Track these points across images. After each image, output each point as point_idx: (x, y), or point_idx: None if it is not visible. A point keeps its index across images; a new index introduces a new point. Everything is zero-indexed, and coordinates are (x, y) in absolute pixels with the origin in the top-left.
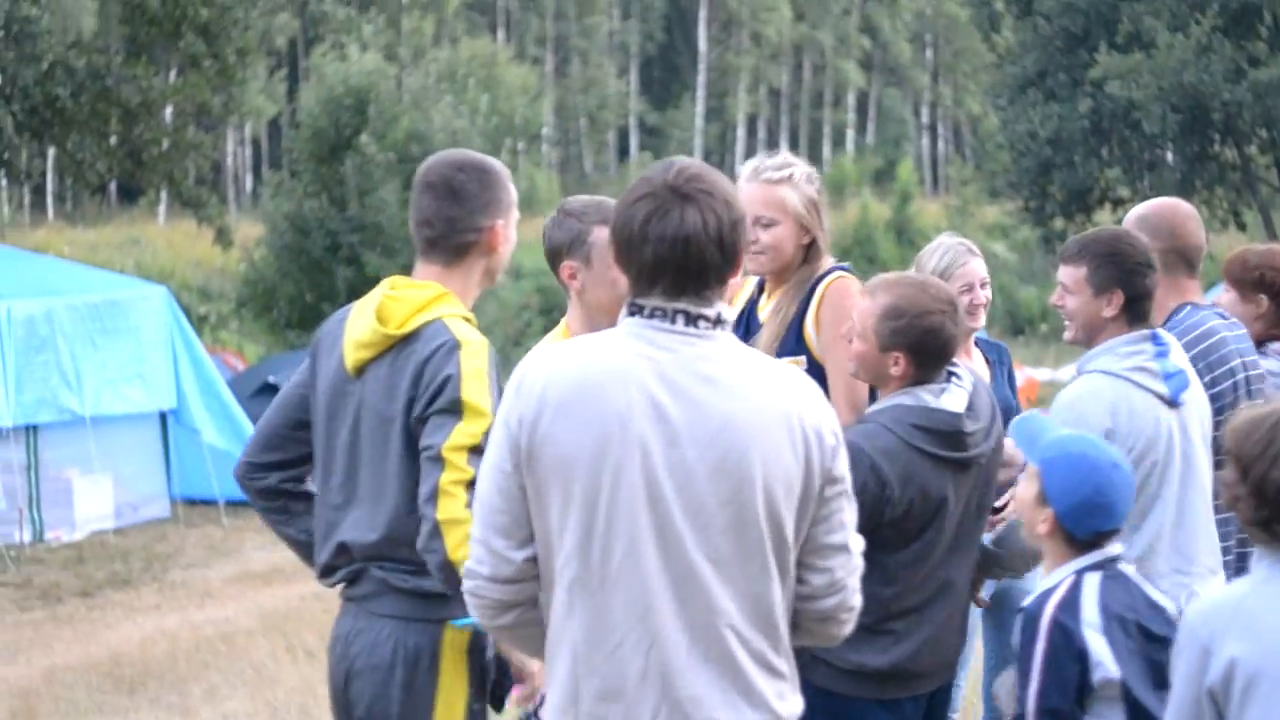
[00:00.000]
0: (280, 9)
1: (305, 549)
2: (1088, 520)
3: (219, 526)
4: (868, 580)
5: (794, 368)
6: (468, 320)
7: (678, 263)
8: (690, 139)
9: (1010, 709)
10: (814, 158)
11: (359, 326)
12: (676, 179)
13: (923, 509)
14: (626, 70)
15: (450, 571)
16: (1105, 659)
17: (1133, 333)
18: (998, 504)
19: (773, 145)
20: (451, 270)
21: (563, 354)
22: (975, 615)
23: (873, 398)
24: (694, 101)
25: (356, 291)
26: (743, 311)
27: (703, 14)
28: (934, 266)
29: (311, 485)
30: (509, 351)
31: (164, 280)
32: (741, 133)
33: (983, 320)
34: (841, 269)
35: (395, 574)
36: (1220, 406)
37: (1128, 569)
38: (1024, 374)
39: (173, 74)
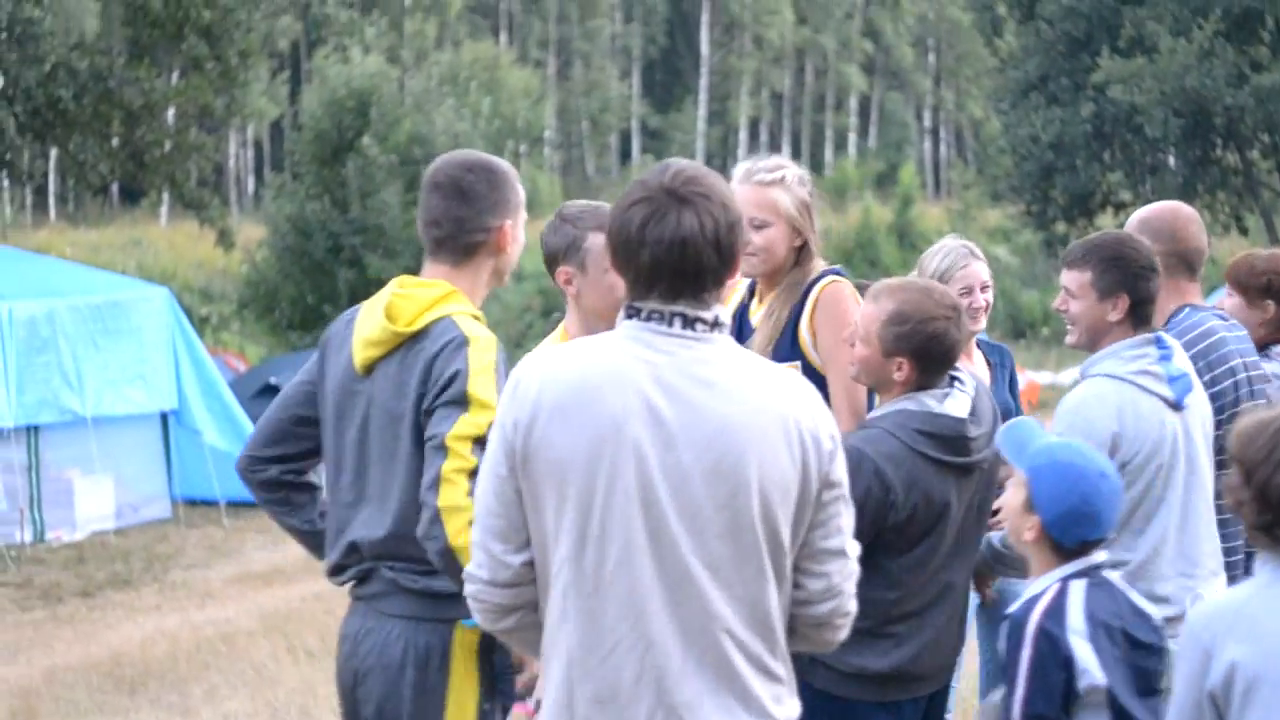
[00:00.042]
0: (283, 11)
1: (310, 538)
2: (1074, 529)
3: (220, 527)
4: (869, 584)
5: (793, 372)
6: (476, 318)
7: (675, 266)
8: (692, 142)
9: None
10: (816, 161)
11: (368, 325)
12: (673, 182)
13: (926, 514)
14: (629, 73)
15: (451, 558)
16: (1091, 666)
17: (1137, 336)
18: (997, 504)
19: (775, 149)
20: (460, 270)
21: (558, 357)
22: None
23: (870, 401)
24: (696, 105)
25: (358, 293)
26: (734, 314)
27: (705, 17)
28: (934, 269)
29: (314, 477)
30: (510, 353)
31: (166, 281)
32: (743, 136)
33: (983, 323)
34: (834, 273)
35: (405, 574)
36: (1221, 405)
37: (1113, 576)
38: (1025, 377)
39: (175, 76)
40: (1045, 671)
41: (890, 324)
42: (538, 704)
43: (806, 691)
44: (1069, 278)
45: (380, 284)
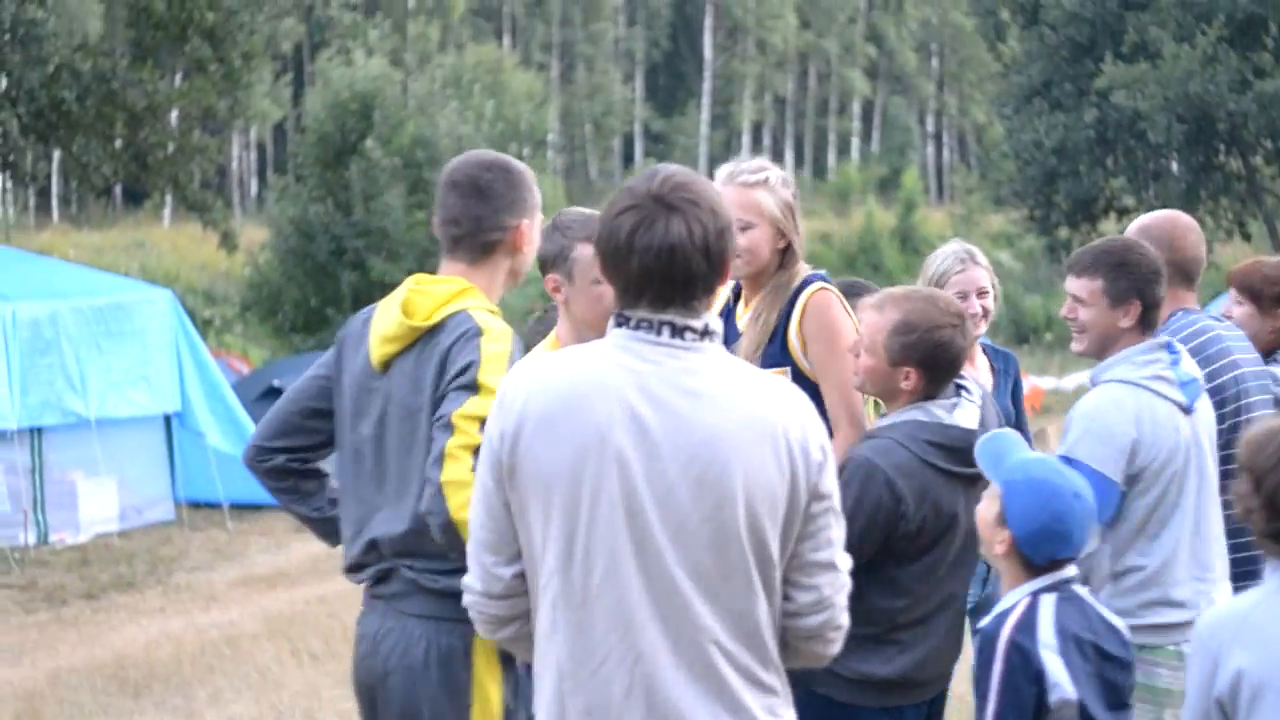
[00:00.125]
0: (286, 14)
1: (320, 525)
2: (1045, 546)
3: (223, 530)
4: (876, 592)
5: (785, 381)
6: (492, 313)
7: (664, 273)
8: (695, 146)
9: None
10: (819, 166)
11: (385, 321)
12: (661, 188)
13: (935, 524)
14: (632, 77)
15: (453, 532)
16: (1062, 680)
17: (1148, 342)
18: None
19: (778, 153)
20: (477, 268)
21: (544, 367)
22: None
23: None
24: (699, 109)
25: (361, 296)
26: (719, 317)
27: (708, 21)
28: (931, 273)
29: (322, 464)
30: None
31: (168, 283)
32: (747, 140)
33: (982, 329)
34: (819, 278)
35: (425, 574)
36: (1222, 399)
37: (1081, 590)
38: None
39: (178, 78)
40: (1016, 685)
41: (896, 333)
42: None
43: (811, 698)
44: (1078, 285)
45: (383, 286)
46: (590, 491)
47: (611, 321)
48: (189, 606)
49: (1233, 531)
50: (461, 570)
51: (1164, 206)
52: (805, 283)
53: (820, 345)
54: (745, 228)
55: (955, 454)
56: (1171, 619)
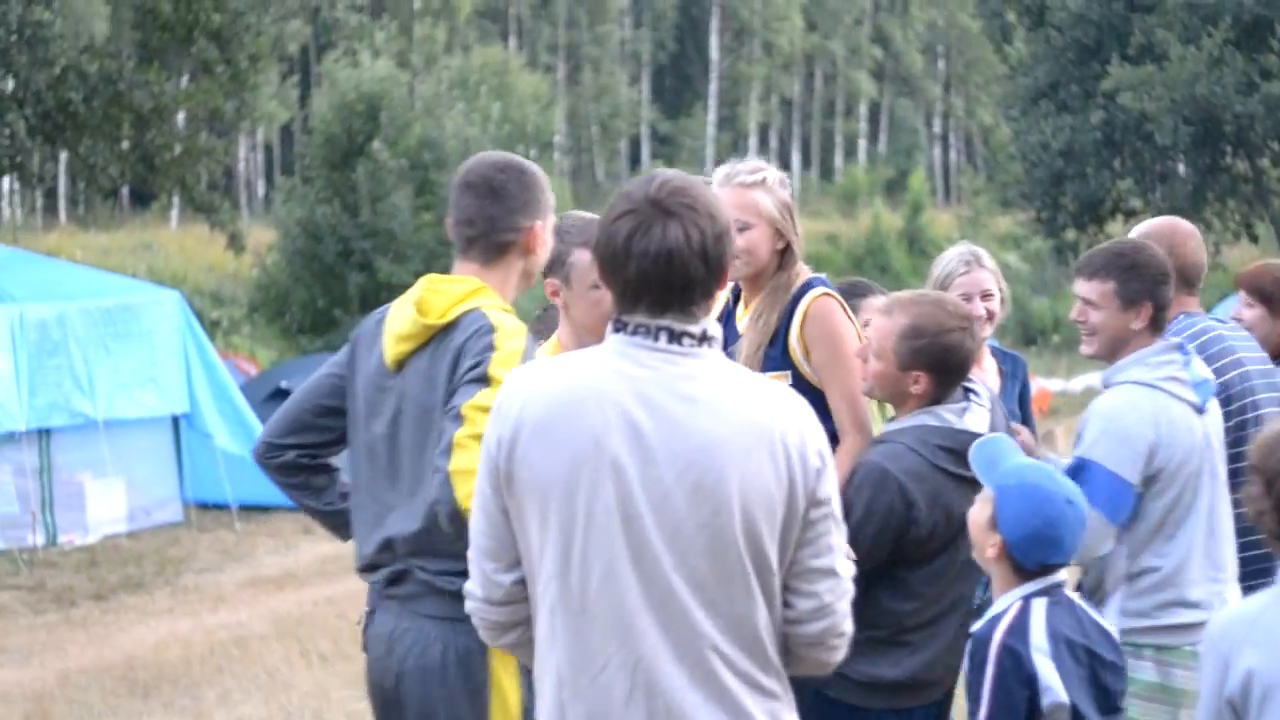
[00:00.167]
0: (293, 15)
1: (332, 518)
2: (1036, 552)
3: (231, 531)
4: (887, 595)
5: (784, 386)
6: (506, 311)
7: (661, 279)
8: (702, 148)
9: None
10: (826, 167)
11: (399, 320)
12: (658, 193)
13: (946, 528)
14: (638, 79)
15: (461, 522)
16: (1054, 684)
17: (1161, 343)
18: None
19: (785, 155)
20: (490, 269)
21: (541, 374)
22: None
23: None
24: (706, 110)
25: (368, 297)
26: (719, 319)
27: (715, 23)
28: (935, 275)
29: (332, 460)
30: None
31: (176, 285)
32: (753, 142)
33: (988, 331)
34: (820, 282)
35: (441, 576)
36: (1227, 398)
37: (1072, 595)
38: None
39: (185, 79)
40: (1008, 689)
41: (906, 338)
42: None
43: (821, 700)
44: (1089, 288)
45: (390, 288)
46: (586, 498)
47: (609, 327)
48: (197, 607)
49: (1241, 531)
50: None
51: (1171, 208)
52: (806, 286)
53: (823, 352)
54: (743, 228)
55: (965, 458)
56: (1187, 619)
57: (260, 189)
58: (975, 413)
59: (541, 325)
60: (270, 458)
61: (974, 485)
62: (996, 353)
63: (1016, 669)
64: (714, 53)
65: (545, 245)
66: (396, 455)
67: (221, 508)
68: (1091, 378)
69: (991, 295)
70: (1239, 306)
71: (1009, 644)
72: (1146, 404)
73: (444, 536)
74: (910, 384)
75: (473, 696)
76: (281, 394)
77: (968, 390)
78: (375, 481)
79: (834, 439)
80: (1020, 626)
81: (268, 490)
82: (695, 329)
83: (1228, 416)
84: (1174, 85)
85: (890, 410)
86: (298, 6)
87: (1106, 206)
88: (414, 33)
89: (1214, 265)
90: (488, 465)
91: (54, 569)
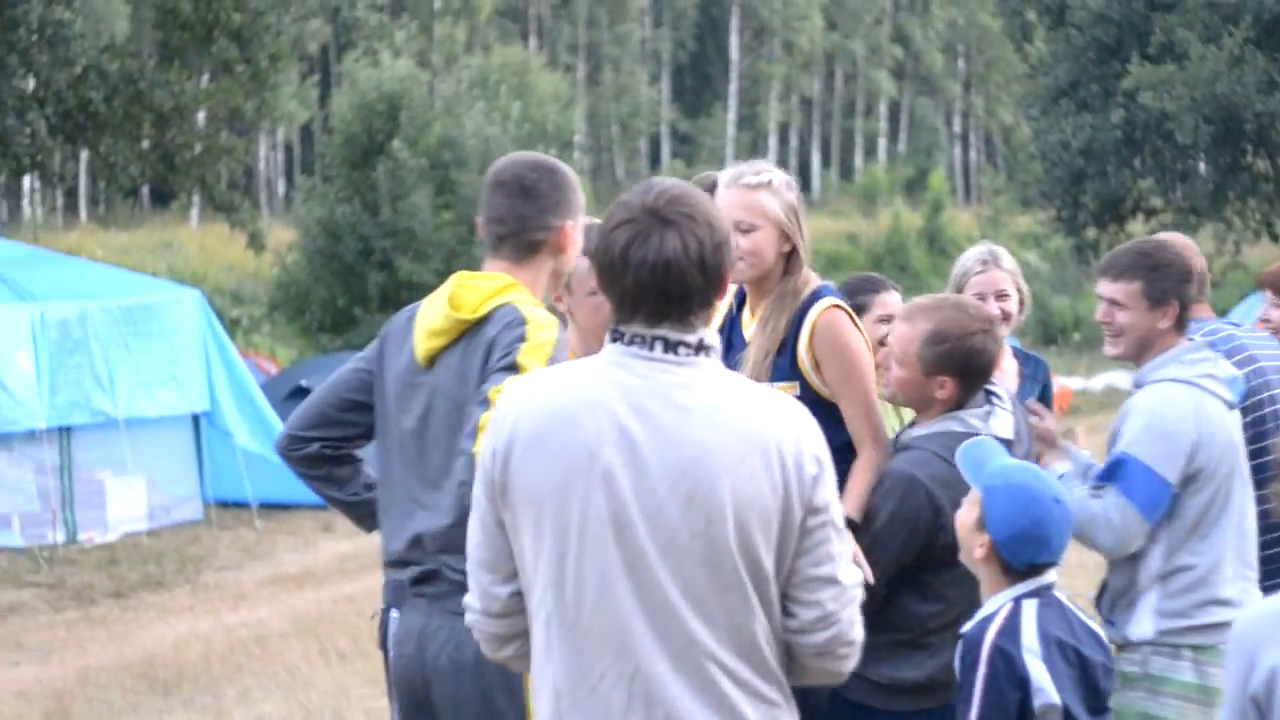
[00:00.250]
0: (313, 14)
1: (356, 509)
2: (1023, 551)
3: (251, 529)
4: (911, 599)
5: (781, 394)
6: (537, 306)
7: (659, 288)
8: (722, 147)
9: None
10: (846, 167)
11: (431, 315)
12: (656, 202)
13: None
14: (658, 78)
15: None
16: (1046, 685)
17: (1193, 341)
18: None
19: (804, 154)
20: (521, 267)
21: (535, 385)
22: None
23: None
24: (726, 110)
25: (389, 296)
26: (724, 324)
27: (735, 22)
28: (954, 275)
29: (356, 451)
30: None
31: (196, 283)
32: (773, 141)
33: (1004, 332)
34: (827, 291)
35: None
36: (1244, 395)
37: (1061, 595)
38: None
39: (205, 79)
40: (1000, 690)
41: (930, 343)
42: None
43: (841, 704)
44: (1114, 289)
45: (410, 286)
46: (579, 508)
47: (607, 337)
48: (217, 605)
49: (1261, 530)
50: None
51: (1192, 207)
52: (815, 296)
53: (834, 366)
54: (749, 230)
55: None
56: (1223, 618)
57: (280, 188)
58: (1000, 417)
59: None
60: (293, 450)
61: None
62: (1018, 354)
63: (1009, 670)
64: (734, 52)
65: (575, 245)
66: (426, 449)
67: (241, 506)
68: (1112, 376)
69: (1007, 295)
70: (1266, 307)
71: (1000, 645)
72: (1187, 402)
73: None
74: (935, 389)
75: (512, 694)
76: (301, 392)
77: (989, 393)
78: (405, 476)
79: (845, 449)
80: (1011, 628)
81: (288, 488)
82: (692, 338)
83: (1244, 413)
84: (1194, 84)
85: (905, 414)
86: (318, 6)
87: (1127, 205)
88: (434, 32)
89: (1234, 264)
90: (483, 477)
91: (74, 567)
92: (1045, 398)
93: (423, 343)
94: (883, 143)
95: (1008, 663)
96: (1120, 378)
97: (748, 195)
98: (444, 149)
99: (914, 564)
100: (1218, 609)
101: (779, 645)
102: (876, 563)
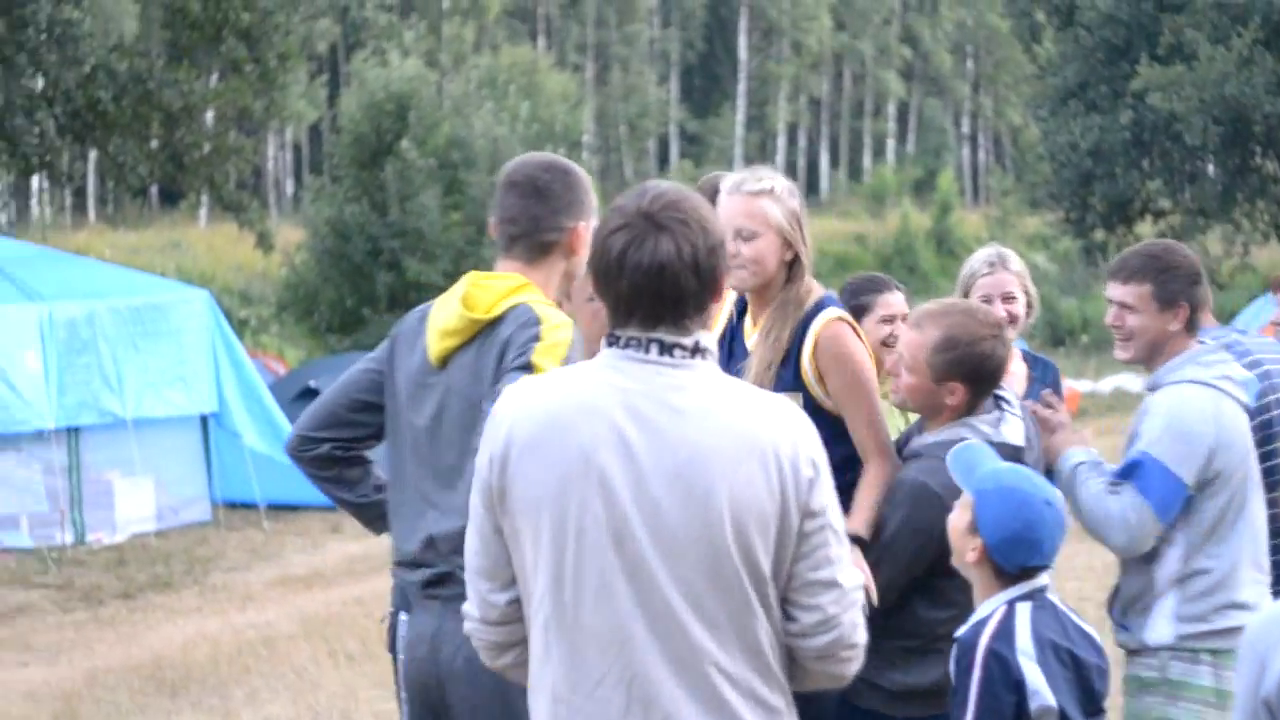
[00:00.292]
0: (322, 14)
1: (366, 511)
2: (1016, 554)
3: (260, 530)
4: (922, 605)
5: (778, 397)
6: (550, 307)
7: (654, 292)
8: (730, 147)
9: None
10: (854, 167)
11: (444, 316)
12: (650, 206)
13: None
14: (667, 78)
15: None
16: (1041, 688)
17: (1209, 343)
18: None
19: (813, 154)
20: (534, 268)
21: (531, 391)
22: None
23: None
24: (734, 110)
25: (397, 296)
26: (725, 333)
27: (743, 23)
28: (961, 276)
29: (366, 452)
30: None
31: (204, 283)
32: (782, 142)
33: (1011, 334)
34: (831, 301)
35: None
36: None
37: (1054, 598)
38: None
39: (214, 78)
40: (995, 694)
41: (940, 350)
42: None
43: (850, 710)
44: (1124, 292)
45: (419, 287)
46: (577, 512)
47: (603, 341)
48: (225, 607)
49: (1271, 532)
50: None
51: (1200, 209)
52: (818, 306)
53: (838, 379)
54: (750, 237)
55: None
56: (1240, 621)
57: (289, 188)
58: (1010, 423)
59: None
60: (303, 451)
61: None
62: (1027, 357)
63: (1004, 674)
64: (742, 52)
65: (587, 246)
66: (439, 449)
67: (250, 507)
68: (1121, 379)
69: (1014, 298)
70: (1278, 310)
71: (995, 649)
72: (1208, 404)
73: None
74: (946, 395)
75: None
76: (310, 393)
77: (998, 398)
78: (418, 476)
79: (846, 462)
80: (1006, 631)
81: (296, 489)
82: (687, 341)
83: (1251, 417)
84: (1203, 85)
85: (910, 415)
86: (326, 6)
87: (1135, 207)
88: (443, 32)
89: (1243, 266)
90: (480, 484)
91: (82, 567)
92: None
93: (436, 343)
94: (891, 143)
95: (1003, 666)
96: (1129, 380)
97: (750, 202)
98: (452, 149)
99: (925, 571)
100: (1235, 613)
101: (781, 648)
102: (888, 573)
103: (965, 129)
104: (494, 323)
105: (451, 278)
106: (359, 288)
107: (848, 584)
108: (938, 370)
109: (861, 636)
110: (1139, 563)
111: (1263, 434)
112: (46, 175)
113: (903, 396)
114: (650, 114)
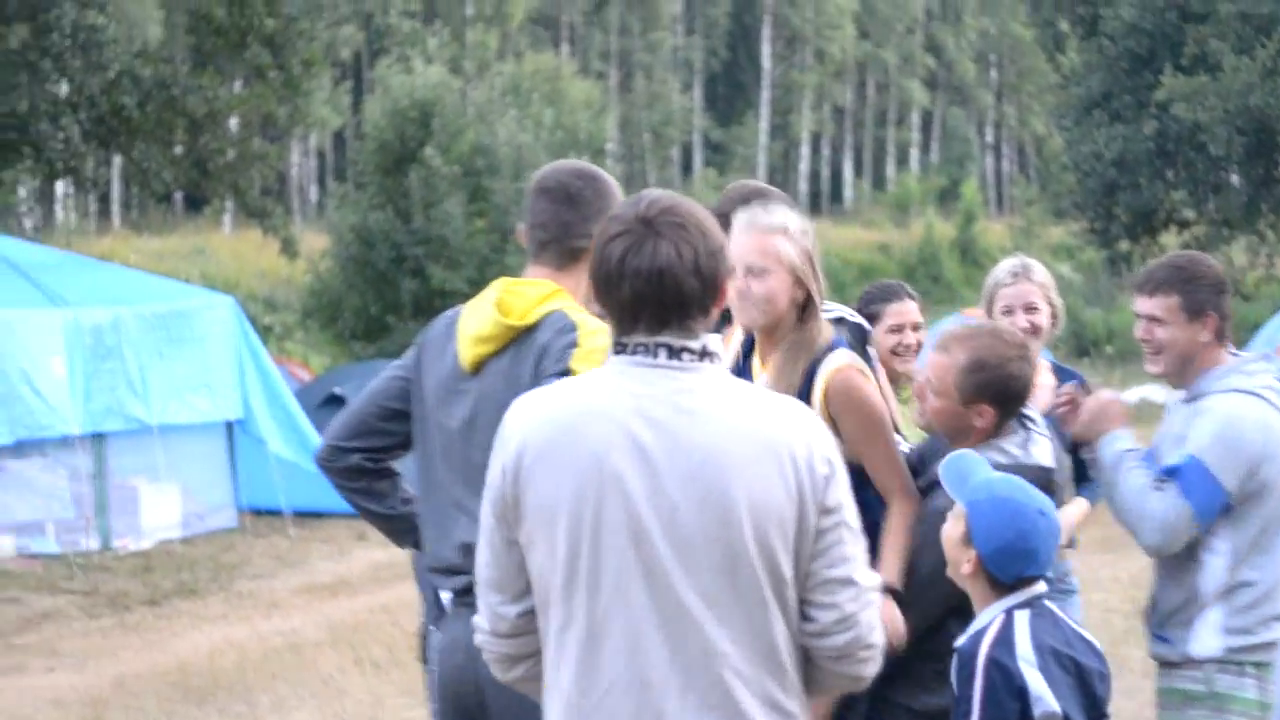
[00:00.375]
0: (346, 21)
1: (393, 523)
2: (1010, 565)
3: (285, 537)
4: (956, 626)
5: (788, 398)
6: (585, 313)
7: (656, 296)
8: (754, 156)
9: None
10: (878, 176)
11: (477, 321)
12: (648, 212)
13: None
14: (690, 86)
15: None
16: (1045, 694)
17: (1248, 354)
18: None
19: (837, 163)
20: (564, 273)
21: (542, 400)
22: None
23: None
24: (758, 118)
25: (421, 304)
26: (732, 371)
27: (767, 31)
28: (986, 286)
29: (394, 464)
30: None
31: (229, 290)
32: (805, 150)
33: (1034, 346)
34: (840, 344)
35: None
36: None
37: (1051, 605)
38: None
39: (238, 84)
40: (999, 702)
41: (968, 372)
42: None
43: None
44: (1152, 304)
45: (443, 294)
46: (592, 518)
47: (610, 350)
48: (251, 613)
49: None
50: None
51: (1225, 219)
52: (827, 349)
53: (852, 425)
54: (762, 274)
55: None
56: None
57: (313, 195)
58: (1039, 444)
59: None
60: (333, 461)
61: None
62: (1055, 369)
63: (1006, 682)
64: (766, 60)
65: None
66: (471, 455)
67: (275, 513)
68: (1146, 390)
69: (1036, 309)
70: None
71: (996, 657)
72: (1257, 413)
73: None
74: (974, 417)
75: None
76: (335, 400)
77: (1023, 417)
78: (450, 482)
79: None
80: (1005, 639)
81: (322, 496)
82: (695, 344)
83: None
84: (1227, 95)
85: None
86: (351, 12)
87: (1159, 217)
88: (466, 39)
89: (1268, 277)
90: (493, 495)
91: (108, 574)
92: None
93: (469, 349)
94: (915, 152)
95: (1004, 674)
96: (1154, 391)
97: (763, 240)
98: (476, 156)
99: (953, 593)
100: (1279, 625)
101: (797, 652)
102: (925, 608)
103: (989, 138)
104: (529, 329)
105: (476, 284)
106: (383, 295)
107: (864, 582)
108: (966, 393)
109: (879, 637)
110: (1178, 574)
111: None
112: (71, 181)
113: (929, 419)
114: (674, 122)
